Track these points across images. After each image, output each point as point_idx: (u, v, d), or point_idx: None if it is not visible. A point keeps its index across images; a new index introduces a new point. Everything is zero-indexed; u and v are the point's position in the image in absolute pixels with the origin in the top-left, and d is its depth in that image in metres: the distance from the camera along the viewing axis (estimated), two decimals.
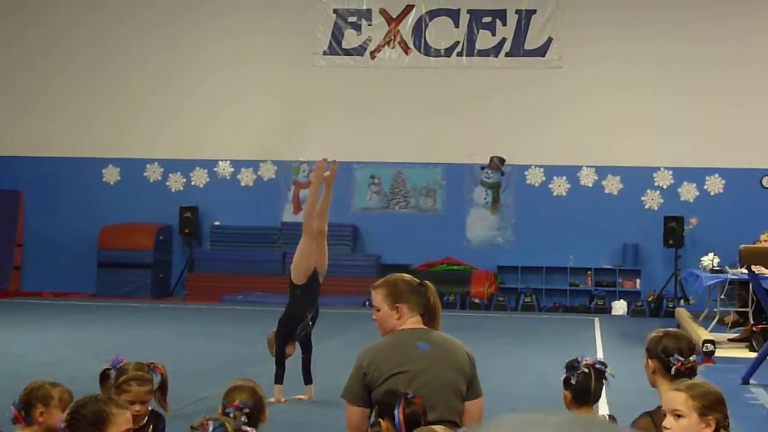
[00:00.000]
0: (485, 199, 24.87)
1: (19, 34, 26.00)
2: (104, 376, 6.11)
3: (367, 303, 23.17)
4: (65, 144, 25.54)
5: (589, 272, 24.11)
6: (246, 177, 25.51)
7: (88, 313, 20.90)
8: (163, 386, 6.15)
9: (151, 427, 6.03)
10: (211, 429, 4.72)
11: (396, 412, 5.31)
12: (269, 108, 25.03)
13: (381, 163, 25.05)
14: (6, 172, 25.54)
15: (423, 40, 25.08)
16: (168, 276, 25.31)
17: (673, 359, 5.67)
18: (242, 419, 5.24)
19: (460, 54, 24.98)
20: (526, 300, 23.56)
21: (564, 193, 24.59)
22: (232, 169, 25.52)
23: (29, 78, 25.84)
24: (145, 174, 25.67)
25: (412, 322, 6.15)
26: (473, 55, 24.94)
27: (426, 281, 6.37)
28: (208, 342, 16.29)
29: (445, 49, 25.01)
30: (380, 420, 5.44)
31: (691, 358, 5.72)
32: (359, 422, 5.99)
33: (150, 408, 6.17)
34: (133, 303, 23.11)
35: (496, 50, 24.86)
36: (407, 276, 6.44)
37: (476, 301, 23.23)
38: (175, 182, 25.64)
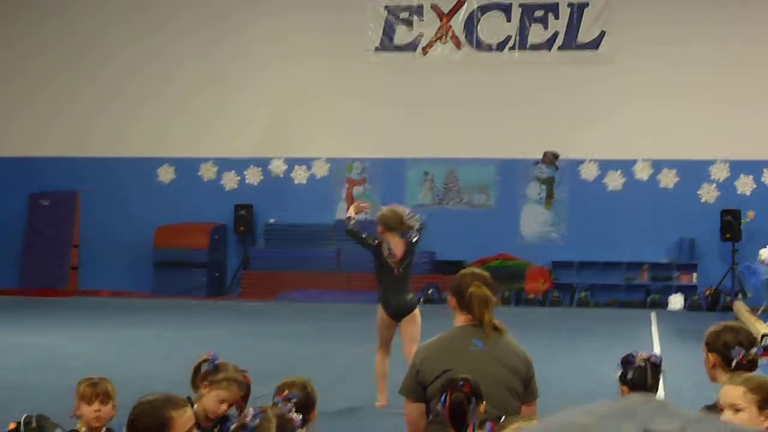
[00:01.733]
0: (539, 194, 24.78)
1: (97, 35, 26.19)
2: (198, 368, 6.20)
3: (422, 299, 23.17)
4: (121, 144, 25.73)
5: (644, 267, 23.96)
6: (299, 175, 25.57)
7: (145, 312, 21.07)
8: (246, 395, 6.23)
9: (219, 427, 6.09)
10: (251, 416, 4.76)
11: (443, 397, 5.33)
12: (322, 106, 25.08)
13: (434, 160, 25.02)
14: (62, 173, 25.76)
15: (475, 35, 25.03)
16: (223, 274, 25.45)
17: (733, 352, 5.61)
18: (289, 407, 5.27)
19: (512, 48, 24.90)
20: (581, 296, 23.47)
21: (619, 188, 24.45)
22: (286, 167, 25.60)
23: (88, 84, 26.01)
24: (199, 173, 25.81)
25: (465, 319, 6.17)
26: (525, 49, 24.85)
27: (479, 277, 6.31)
28: (265, 340, 16.36)
29: (497, 44, 24.94)
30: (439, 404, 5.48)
31: (752, 350, 5.66)
32: (417, 417, 6.05)
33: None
34: (189, 301, 23.25)
35: (548, 44, 24.77)
36: (475, 270, 6.42)
37: (531, 297, 23.16)
38: (230, 180, 25.76)
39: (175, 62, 25.77)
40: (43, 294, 24.10)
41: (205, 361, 6.22)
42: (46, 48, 26.26)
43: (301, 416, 5.32)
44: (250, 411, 4.78)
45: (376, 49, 25.37)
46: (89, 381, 6.16)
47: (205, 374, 6.15)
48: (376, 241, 10.78)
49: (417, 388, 6.05)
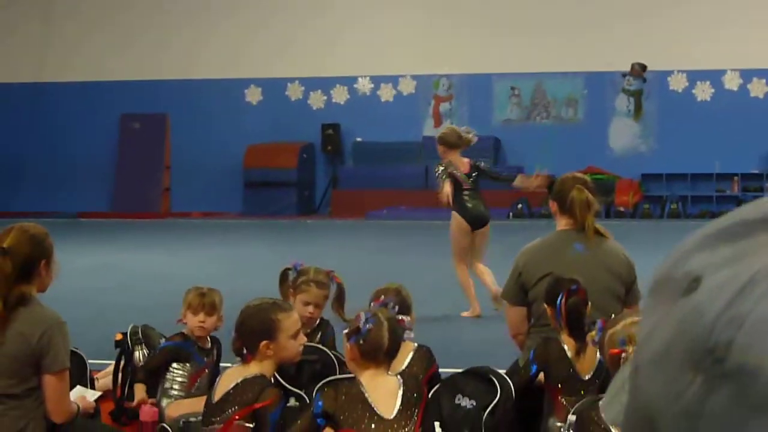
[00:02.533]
0: (627, 107, 24.55)
1: None
2: (284, 275, 6.33)
3: (511, 215, 23.18)
4: (208, 66, 25.89)
5: (735, 178, 23.70)
6: (386, 92, 25.58)
7: (236, 231, 21.33)
8: (340, 295, 6.31)
9: (320, 334, 6.20)
10: (363, 320, 4.84)
11: (559, 301, 5.37)
12: (406, 22, 24.98)
13: (520, 74, 24.87)
14: (151, 95, 26.03)
15: None
16: (312, 193, 25.64)
17: None
18: (395, 308, 5.36)
19: None
20: (672, 207, 23.30)
21: (708, 98, 24.14)
22: (372, 85, 25.62)
23: (172, 5, 26.16)
24: (286, 93, 25.93)
25: (566, 223, 6.19)
26: None
27: (580, 180, 6.32)
28: (356, 256, 16.50)
29: None
30: (546, 305, 5.52)
31: None
32: (519, 321, 6.11)
33: (321, 317, 6.34)
34: (279, 221, 23.49)
35: None
36: (576, 174, 6.43)
37: (621, 209, 23.04)
38: (316, 100, 25.85)
39: None
40: (136, 216, 24.48)
41: (288, 269, 6.34)
42: None
43: (408, 318, 5.42)
44: (362, 315, 4.85)
45: None
46: (198, 291, 6.26)
47: (291, 282, 6.27)
48: (442, 167, 10.90)
49: (519, 292, 6.09)
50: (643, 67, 24.26)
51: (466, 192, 10.81)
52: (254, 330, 4.98)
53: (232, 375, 5.06)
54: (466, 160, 10.98)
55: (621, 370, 0.85)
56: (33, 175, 25.96)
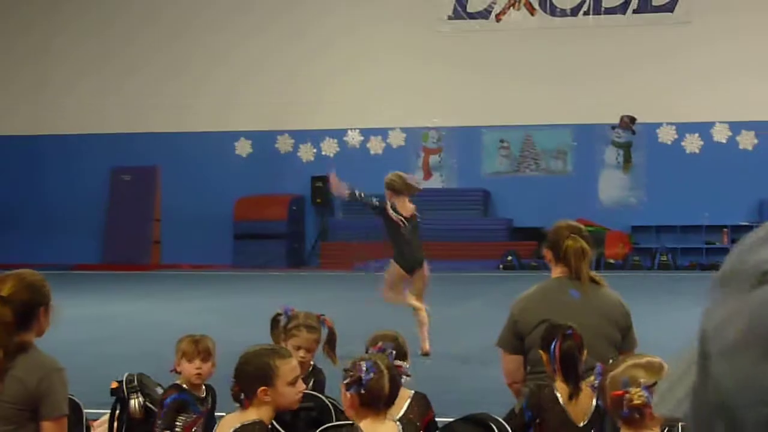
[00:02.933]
0: (617, 159, 24.65)
1: (155, 14, 26.43)
2: (275, 321, 6.33)
3: (501, 266, 23.20)
4: (198, 118, 25.96)
5: (725, 230, 23.76)
6: (375, 145, 25.67)
7: (227, 282, 21.30)
8: (331, 339, 6.32)
9: (313, 380, 6.19)
10: (364, 368, 4.82)
11: (553, 346, 5.37)
12: (395, 75, 25.10)
13: (509, 127, 24.98)
14: (143, 148, 26.07)
15: (548, 1, 24.89)
16: (302, 245, 25.64)
17: None
18: (392, 354, 5.35)
19: (586, 13, 24.75)
20: (662, 259, 23.34)
21: (697, 151, 24.26)
22: (362, 138, 25.70)
23: (163, 57, 26.27)
24: (276, 145, 25.99)
25: (561, 271, 6.21)
26: (600, 14, 24.69)
27: (575, 229, 6.35)
28: (345, 307, 16.48)
29: (571, 9, 24.80)
30: (540, 351, 5.52)
31: None
32: (515, 369, 6.10)
33: (312, 363, 6.34)
34: (269, 273, 23.47)
35: (623, 7, 24.58)
36: (571, 223, 6.46)
37: (611, 261, 23.08)
38: (306, 153, 25.92)
39: (243, 35, 25.86)
40: (126, 268, 24.44)
41: (279, 315, 6.35)
42: (122, 29, 26.52)
43: (407, 364, 5.42)
44: (362, 364, 4.84)
45: (449, 17, 25.32)
46: (191, 338, 6.26)
47: (282, 328, 6.28)
48: (379, 203, 11.78)
49: (514, 340, 6.09)
50: (633, 120, 24.40)
51: (404, 241, 11.55)
52: (252, 376, 4.98)
53: (229, 421, 5.05)
54: (411, 206, 11.65)
55: (675, 365, 0.86)
56: (25, 226, 25.94)
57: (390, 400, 4.90)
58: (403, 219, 11.53)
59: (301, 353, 6.13)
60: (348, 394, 4.84)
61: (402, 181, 11.70)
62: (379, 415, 4.86)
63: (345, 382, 4.86)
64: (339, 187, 12.53)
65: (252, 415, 4.98)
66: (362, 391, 4.80)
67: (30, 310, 5.01)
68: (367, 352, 5.61)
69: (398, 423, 5.01)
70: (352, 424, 4.85)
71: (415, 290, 11.65)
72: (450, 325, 14.79)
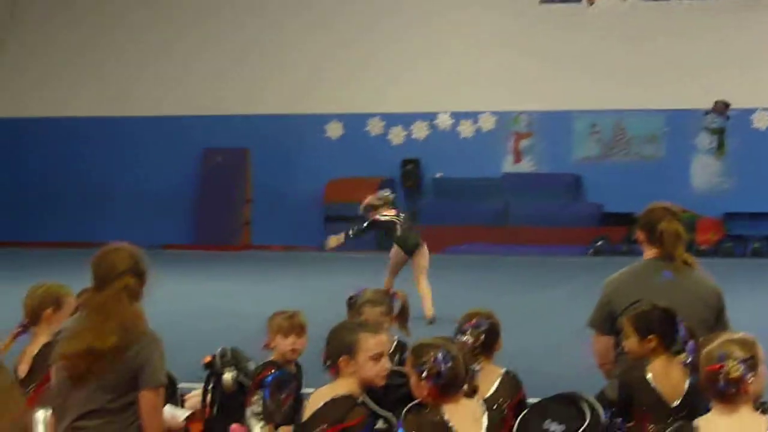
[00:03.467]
0: (710, 144, 24.36)
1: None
2: (349, 303, 6.43)
3: (591, 252, 23.09)
4: (290, 101, 26.12)
5: None
6: (466, 129, 25.63)
7: (315, 264, 21.44)
8: (403, 312, 6.38)
9: (398, 355, 6.26)
10: (440, 358, 4.85)
11: (680, 328, 5.35)
12: (487, 59, 25.03)
13: (601, 112, 24.79)
14: (234, 130, 26.30)
15: None
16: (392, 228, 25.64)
17: None
18: (479, 338, 5.38)
19: None
20: (755, 246, 23.04)
21: None
22: (452, 121, 25.68)
23: (262, 43, 26.43)
24: (366, 128, 26.07)
25: (654, 252, 6.18)
26: None
27: (670, 211, 6.30)
28: (437, 289, 16.51)
29: None
30: (653, 336, 5.47)
31: None
32: (606, 350, 6.10)
33: (396, 338, 6.40)
34: (359, 255, 23.55)
35: None
36: (666, 204, 6.41)
37: (702, 248, 22.83)
38: (396, 136, 25.96)
39: (331, 17, 25.94)
40: (217, 248, 24.70)
41: (352, 297, 6.48)
42: (217, 10, 26.76)
43: (471, 339, 5.46)
44: (438, 355, 4.86)
45: (541, 1, 25.17)
46: (284, 314, 6.36)
47: (355, 307, 6.39)
48: (366, 222, 14.57)
49: (606, 320, 6.08)
50: (727, 105, 24.07)
51: (398, 228, 14.23)
52: (337, 346, 5.07)
53: (320, 395, 5.13)
54: (393, 210, 14.63)
55: None
56: (119, 206, 26.32)
57: (463, 382, 4.93)
58: (393, 217, 14.38)
59: None
60: (425, 384, 4.86)
61: (377, 199, 14.78)
62: (458, 397, 4.90)
63: (421, 374, 4.86)
64: (335, 242, 14.95)
65: (341, 388, 5.05)
66: (441, 382, 4.84)
67: (143, 280, 5.19)
68: (461, 330, 5.66)
69: (482, 403, 5.03)
70: (436, 406, 4.87)
71: (420, 267, 14.16)
72: (539, 309, 14.79)
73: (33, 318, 6.28)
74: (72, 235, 25.37)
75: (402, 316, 6.41)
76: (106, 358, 5.02)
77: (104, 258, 5.23)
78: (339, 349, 5.04)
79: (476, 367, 5.11)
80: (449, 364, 4.82)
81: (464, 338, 5.56)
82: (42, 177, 27.26)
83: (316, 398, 5.12)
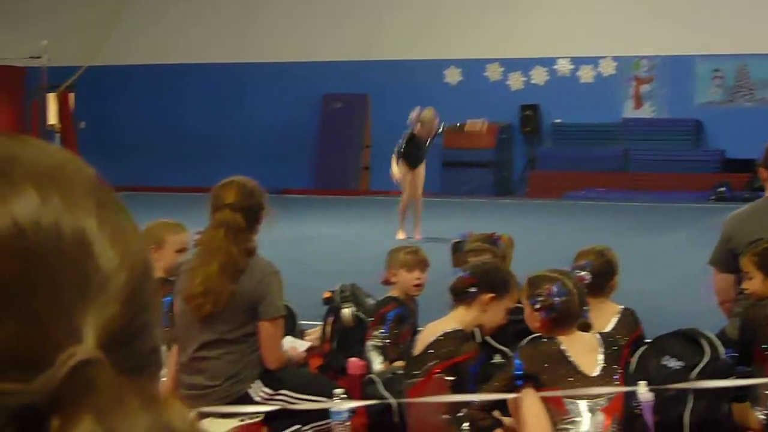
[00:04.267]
0: None
1: None
2: (455, 247, 6.46)
3: (712, 198, 22.75)
4: (408, 46, 26.09)
5: None
6: (586, 74, 25.36)
7: (434, 208, 21.48)
8: (506, 255, 6.40)
9: None
10: (555, 291, 4.86)
11: None
12: (606, 3, 24.68)
13: (724, 56, 24.30)
14: (353, 75, 26.38)
15: None
16: (510, 174, 25.61)
17: None
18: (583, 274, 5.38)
19: None
20: None
21: None
22: (572, 67, 25.42)
23: None
24: (485, 74, 25.95)
25: None
26: None
27: None
28: (554, 236, 16.47)
29: None
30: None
31: None
32: (727, 288, 6.04)
33: None
34: (476, 200, 23.56)
35: None
36: None
37: None
38: (515, 81, 25.80)
39: None
40: (336, 193, 24.89)
41: (458, 242, 6.53)
42: None
43: (590, 276, 5.45)
44: (553, 288, 4.88)
45: None
46: (408, 249, 6.41)
47: (461, 252, 6.42)
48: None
49: (727, 258, 6.02)
50: None
51: (416, 147, 17.11)
52: (492, 281, 5.08)
53: (432, 330, 5.18)
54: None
55: None
56: (239, 152, 26.58)
57: (578, 313, 4.93)
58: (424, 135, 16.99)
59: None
60: (538, 316, 4.89)
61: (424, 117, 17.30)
62: (571, 329, 4.91)
63: (534, 306, 4.89)
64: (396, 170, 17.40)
65: (453, 323, 5.09)
66: (554, 315, 4.85)
67: (254, 215, 5.24)
68: (577, 265, 5.64)
69: (598, 336, 5.03)
70: (552, 337, 4.90)
71: (418, 182, 16.90)
72: (658, 252, 14.68)
73: None
74: (193, 181, 25.75)
75: (503, 259, 6.42)
76: (221, 295, 5.10)
77: (214, 192, 5.34)
78: (492, 286, 5.07)
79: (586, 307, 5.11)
80: (563, 298, 4.83)
81: (581, 273, 5.55)
82: (162, 123, 27.72)
83: (426, 333, 5.17)
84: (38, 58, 25.19)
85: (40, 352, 0.76)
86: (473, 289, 5.10)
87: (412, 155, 16.82)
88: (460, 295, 5.15)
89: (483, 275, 5.11)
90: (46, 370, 0.75)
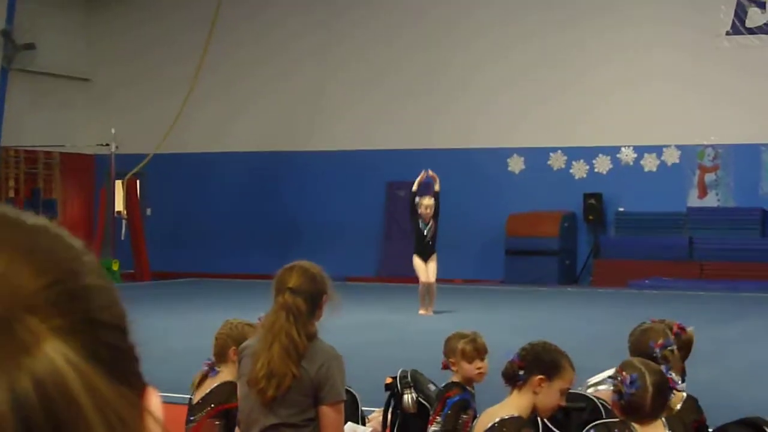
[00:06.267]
0: None
1: (433, 36, 26.90)
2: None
3: None
4: (473, 135, 26.22)
5: None
6: (649, 162, 25.33)
7: (497, 296, 21.45)
8: (687, 346, 6.37)
9: None
10: (629, 381, 4.85)
11: None
12: (671, 92, 24.70)
13: None
14: (416, 164, 26.45)
15: None
16: (574, 262, 25.53)
17: None
18: (667, 364, 5.34)
19: None
20: None
21: None
22: (635, 155, 25.42)
23: (443, 80, 26.68)
24: (548, 162, 26.01)
25: None
26: None
27: None
28: (621, 324, 16.32)
29: None
30: None
31: None
32: None
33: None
34: (540, 289, 23.47)
35: None
36: None
37: None
38: (579, 170, 25.82)
39: (530, 57, 25.97)
40: (399, 281, 24.90)
41: None
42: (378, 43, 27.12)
43: (679, 378, 5.40)
44: (628, 376, 4.87)
45: (728, 32, 24.73)
46: (466, 338, 6.37)
47: None
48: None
49: None
50: None
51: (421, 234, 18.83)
52: (542, 361, 5.06)
53: (489, 416, 5.16)
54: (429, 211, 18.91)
55: None
56: (304, 239, 26.79)
57: (654, 412, 4.89)
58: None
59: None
60: (613, 398, 4.91)
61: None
62: (644, 420, 4.88)
63: (613, 388, 4.91)
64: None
65: (511, 409, 5.08)
66: (622, 402, 4.85)
67: (315, 299, 5.28)
68: (648, 348, 5.61)
69: (664, 420, 4.99)
70: (623, 422, 4.88)
71: (430, 271, 18.14)
72: (725, 343, 14.51)
73: (219, 355, 6.36)
74: (258, 268, 25.93)
75: (685, 351, 6.34)
76: (284, 379, 5.14)
77: (277, 276, 5.39)
78: (541, 366, 5.05)
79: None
80: (633, 390, 4.82)
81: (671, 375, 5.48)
82: (228, 211, 28.03)
83: (485, 419, 5.16)
84: (106, 145, 25.68)
85: None
86: (522, 372, 5.09)
87: (421, 251, 18.63)
88: (510, 380, 5.14)
89: (531, 357, 5.09)
90: None
